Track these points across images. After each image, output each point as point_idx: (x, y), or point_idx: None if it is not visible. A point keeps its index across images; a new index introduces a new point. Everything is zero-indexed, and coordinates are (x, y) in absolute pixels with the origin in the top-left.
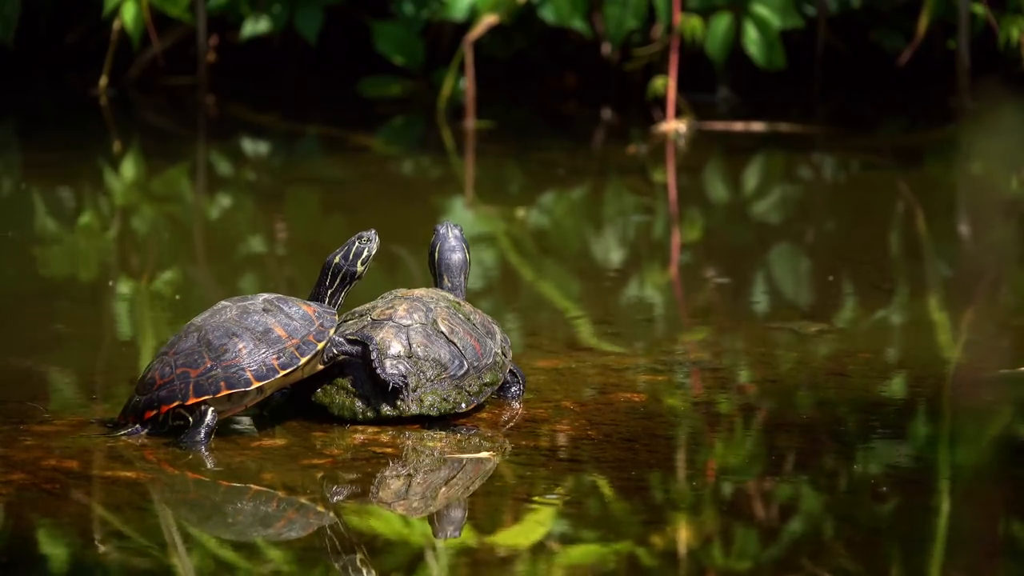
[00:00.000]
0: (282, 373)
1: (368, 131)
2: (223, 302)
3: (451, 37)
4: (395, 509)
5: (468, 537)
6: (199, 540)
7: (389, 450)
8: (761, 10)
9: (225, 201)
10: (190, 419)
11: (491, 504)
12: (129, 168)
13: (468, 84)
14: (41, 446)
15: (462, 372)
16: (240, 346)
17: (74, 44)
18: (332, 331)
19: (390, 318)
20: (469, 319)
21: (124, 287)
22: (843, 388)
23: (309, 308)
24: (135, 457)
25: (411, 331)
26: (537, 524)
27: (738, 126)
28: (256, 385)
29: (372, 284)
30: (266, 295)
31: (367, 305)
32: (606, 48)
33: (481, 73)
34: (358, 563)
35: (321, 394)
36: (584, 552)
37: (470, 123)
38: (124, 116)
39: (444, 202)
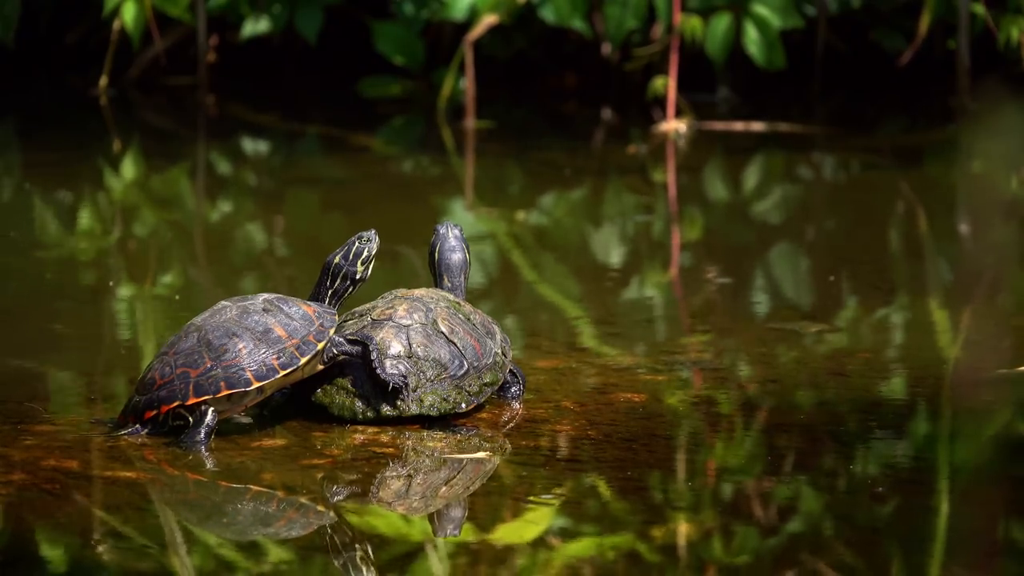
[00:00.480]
0: (282, 373)
1: (368, 131)
2: (223, 302)
3: (451, 37)
4: (395, 509)
5: (468, 536)
6: (199, 540)
7: (389, 450)
8: (761, 10)
9: (225, 201)
10: (190, 419)
11: (491, 504)
12: (129, 168)
13: (468, 84)
14: (41, 446)
15: (462, 372)
16: (240, 346)
17: (74, 44)
18: (332, 331)
19: (390, 318)
20: (469, 319)
21: (124, 287)
22: (843, 388)
23: (309, 308)
24: (135, 457)
25: (411, 331)
26: (537, 523)
27: (738, 126)
28: (256, 385)
29: (372, 284)
30: (266, 295)
31: (367, 305)
32: (606, 48)
33: (481, 73)
34: (358, 561)
35: (321, 394)
36: (583, 549)
37: (470, 123)
38: (124, 116)
39: (444, 202)
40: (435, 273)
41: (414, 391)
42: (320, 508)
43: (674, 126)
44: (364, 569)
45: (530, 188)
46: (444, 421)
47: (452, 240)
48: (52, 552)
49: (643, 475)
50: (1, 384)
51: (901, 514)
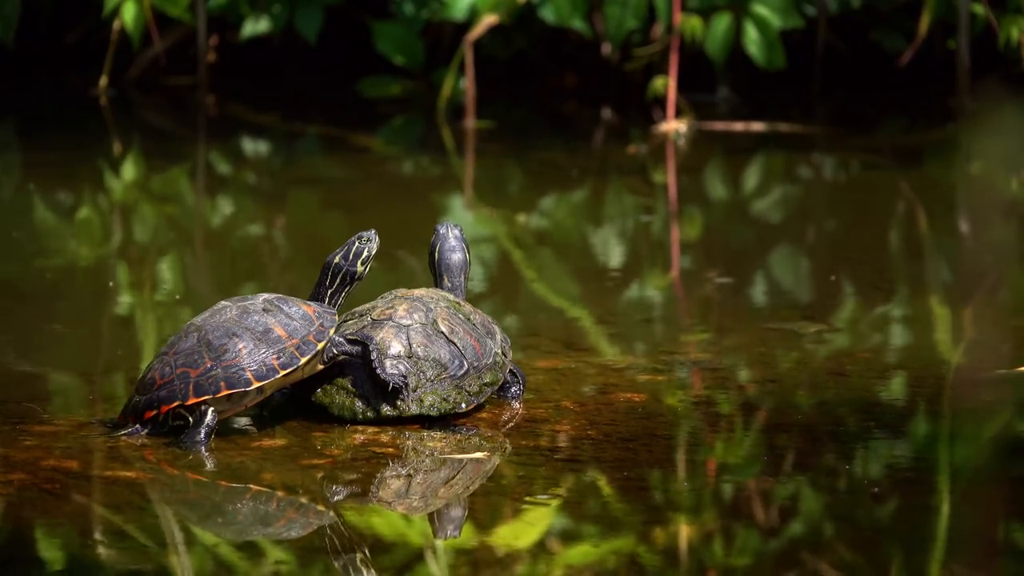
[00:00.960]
0: (282, 373)
1: (368, 131)
2: (223, 302)
3: (451, 37)
4: (395, 509)
5: (468, 537)
6: (199, 540)
7: (389, 450)
8: (761, 10)
9: (225, 201)
10: (190, 419)
11: (491, 504)
12: (129, 168)
13: (468, 84)
14: (41, 446)
15: (462, 372)
16: (240, 346)
17: (74, 44)
18: (332, 331)
19: (390, 318)
20: (469, 319)
21: (124, 288)
22: (843, 388)
23: (309, 308)
24: (135, 457)
25: (411, 331)
26: (536, 524)
27: (738, 126)
28: (256, 385)
29: (372, 284)
30: (266, 295)
31: (367, 305)
32: (606, 48)
33: (481, 73)
34: (358, 562)
35: (321, 394)
36: (583, 551)
37: (470, 123)
38: (124, 116)
39: (444, 202)
40: (435, 273)
41: (414, 391)
42: (320, 508)
43: (674, 126)
44: (364, 570)
45: (530, 188)
46: (444, 421)
47: (452, 240)
48: (52, 552)
49: (643, 475)
50: (1, 384)
51: (901, 514)
